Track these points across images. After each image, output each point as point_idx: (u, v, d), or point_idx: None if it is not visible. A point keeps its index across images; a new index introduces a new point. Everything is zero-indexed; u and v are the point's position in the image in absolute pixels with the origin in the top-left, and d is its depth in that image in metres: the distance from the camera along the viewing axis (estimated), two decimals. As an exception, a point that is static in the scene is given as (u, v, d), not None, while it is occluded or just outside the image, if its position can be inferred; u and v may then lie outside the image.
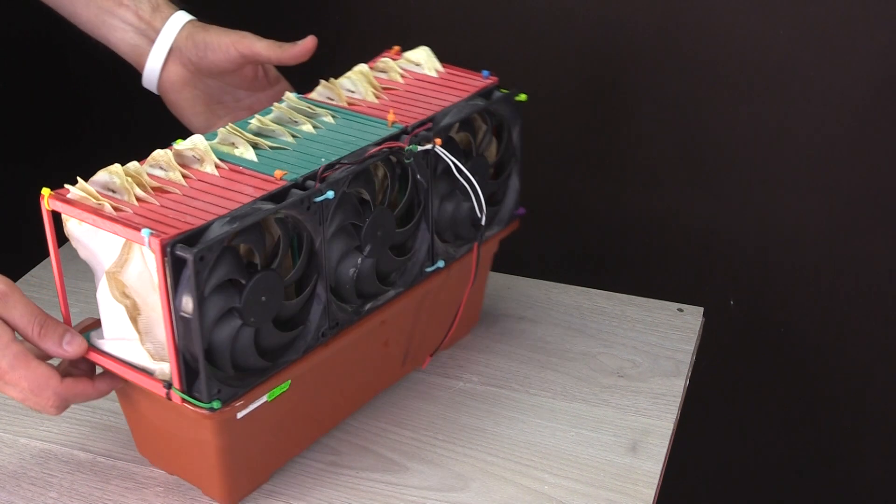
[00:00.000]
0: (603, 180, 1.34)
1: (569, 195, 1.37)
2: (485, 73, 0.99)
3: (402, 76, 0.98)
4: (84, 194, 0.77)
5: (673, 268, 1.35)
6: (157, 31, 1.01)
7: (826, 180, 1.24)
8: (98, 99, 1.55)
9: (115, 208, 0.76)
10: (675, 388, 0.99)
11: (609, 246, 1.37)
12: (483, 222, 0.93)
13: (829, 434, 1.39)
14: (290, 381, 0.82)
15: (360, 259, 0.85)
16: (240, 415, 0.78)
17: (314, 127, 0.89)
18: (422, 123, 0.89)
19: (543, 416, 0.95)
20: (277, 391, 0.81)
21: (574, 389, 0.98)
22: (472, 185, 0.91)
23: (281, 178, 0.79)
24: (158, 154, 0.81)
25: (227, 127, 0.85)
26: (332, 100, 0.94)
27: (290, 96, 0.93)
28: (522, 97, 0.97)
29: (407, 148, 0.85)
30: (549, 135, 1.34)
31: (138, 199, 0.77)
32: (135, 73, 1.04)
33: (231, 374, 0.77)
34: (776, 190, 1.27)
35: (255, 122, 0.87)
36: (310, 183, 0.79)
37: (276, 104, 0.91)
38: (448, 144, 0.90)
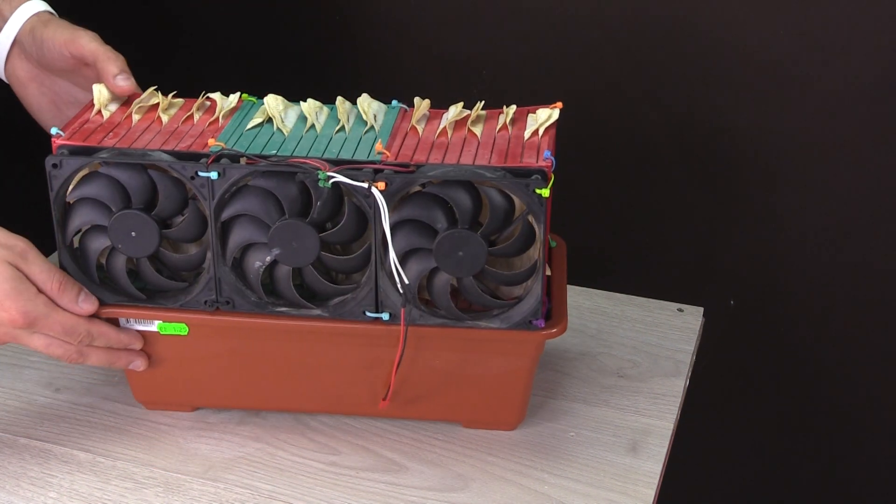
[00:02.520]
0: (603, 180, 1.34)
1: (569, 195, 1.37)
2: (546, 153, 0.85)
3: (486, 123, 0.93)
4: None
5: (673, 268, 1.35)
6: (5, 20, 0.97)
7: (826, 180, 1.24)
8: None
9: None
10: (675, 388, 0.99)
11: (609, 246, 1.37)
12: (402, 293, 0.84)
13: (829, 434, 1.39)
14: (186, 327, 0.89)
15: (268, 256, 0.85)
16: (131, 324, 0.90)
17: (316, 127, 0.89)
18: (402, 165, 0.83)
19: (543, 416, 0.95)
20: (170, 328, 0.89)
21: (574, 389, 0.98)
22: (385, 242, 0.82)
23: (207, 146, 0.84)
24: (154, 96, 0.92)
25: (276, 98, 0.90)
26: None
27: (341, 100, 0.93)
28: (544, 192, 0.81)
29: (320, 173, 0.81)
30: (549, 135, 1.34)
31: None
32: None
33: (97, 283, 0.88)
34: (776, 190, 1.27)
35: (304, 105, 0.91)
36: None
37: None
38: (416, 197, 0.83)
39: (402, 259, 0.84)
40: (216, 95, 0.94)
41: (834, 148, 1.23)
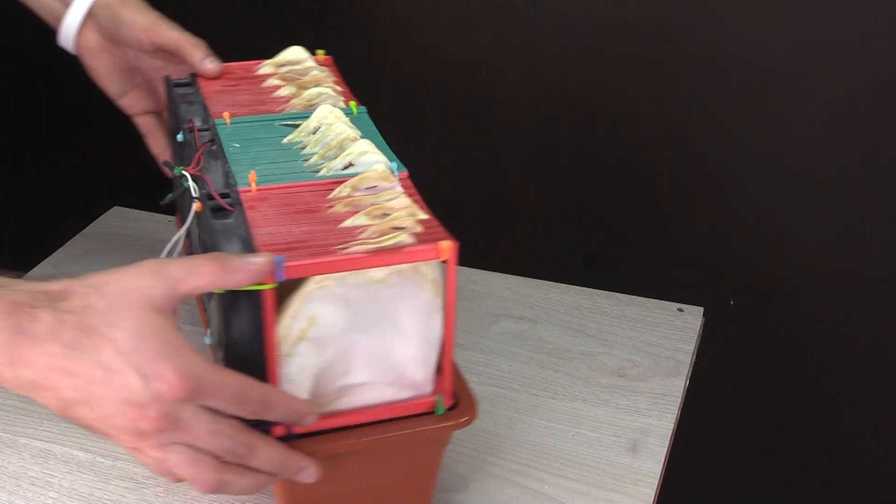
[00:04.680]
0: (603, 180, 1.34)
1: (568, 195, 1.37)
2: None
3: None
4: None
5: (673, 268, 1.35)
6: None
7: (826, 181, 1.24)
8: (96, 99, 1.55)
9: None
10: (675, 388, 0.99)
11: (609, 246, 1.37)
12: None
13: (830, 434, 1.39)
14: None
15: None
16: None
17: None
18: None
19: (543, 416, 0.95)
20: None
21: (574, 389, 0.98)
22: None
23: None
24: None
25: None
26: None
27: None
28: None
29: (176, 169, 0.78)
30: (548, 135, 1.34)
31: None
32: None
33: None
34: (776, 190, 1.27)
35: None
36: None
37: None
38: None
39: None
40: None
41: (834, 148, 1.23)
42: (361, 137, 0.80)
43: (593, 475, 0.88)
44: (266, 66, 0.95)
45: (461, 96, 1.33)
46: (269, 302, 0.67)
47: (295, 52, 0.95)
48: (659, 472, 0.89)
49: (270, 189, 0.76)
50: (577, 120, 1.32)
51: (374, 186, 0.75)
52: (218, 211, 0.74)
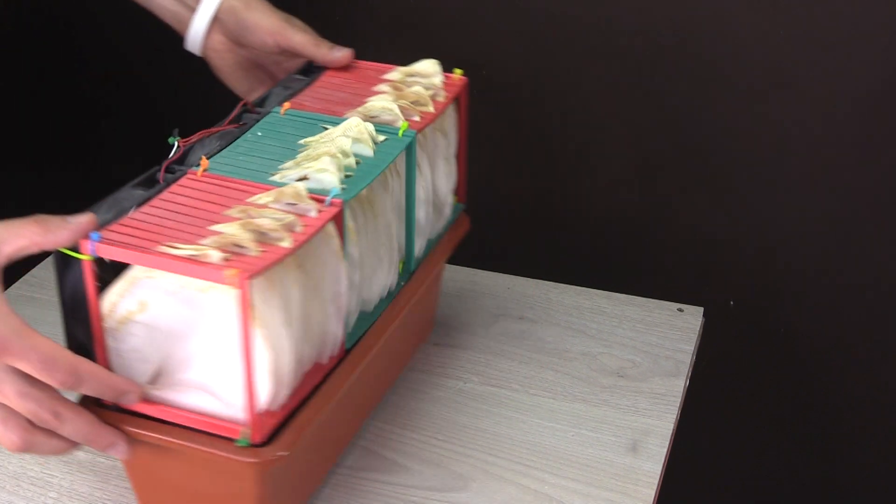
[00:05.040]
0: (603, 180, 1.34)
1: (568, 195, 1.37)
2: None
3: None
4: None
5: (673, 268, 1.35)
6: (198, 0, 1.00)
7: (826, 180, 1.24)
8: (97, 100, 1.55)
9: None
10: (675, 388, 0.99)
11: (609, 246, 1.37)
12: None
13: (830, 434, 1.39)
14: None
15: None
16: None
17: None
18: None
19: (543, 416, 0.95)
20: None
21: (574, 389, 0.98)
22: None
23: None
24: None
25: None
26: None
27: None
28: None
29: (171, 138, 0.81)
30: (548, 135, 1.34)
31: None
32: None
33: None
34: (776, 190, 1.27)
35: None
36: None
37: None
38: None
39: None
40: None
41: (834, 148, 1.23)
42: (363, 160, 0.80)
43: (593, 475, 0.88)
44: (395, 73, 0.95)
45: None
46: (87, 272, 0.70)
47: (426, 65, 0.94)
48: (659, 472, 0.89)
49: (214, 178, 0.78)
50: (576, 119, 1.32)
51: (294, 203, 0.74)
52: (148, 181, 0.77)
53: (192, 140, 0.83)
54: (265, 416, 0.72)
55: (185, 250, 0.68)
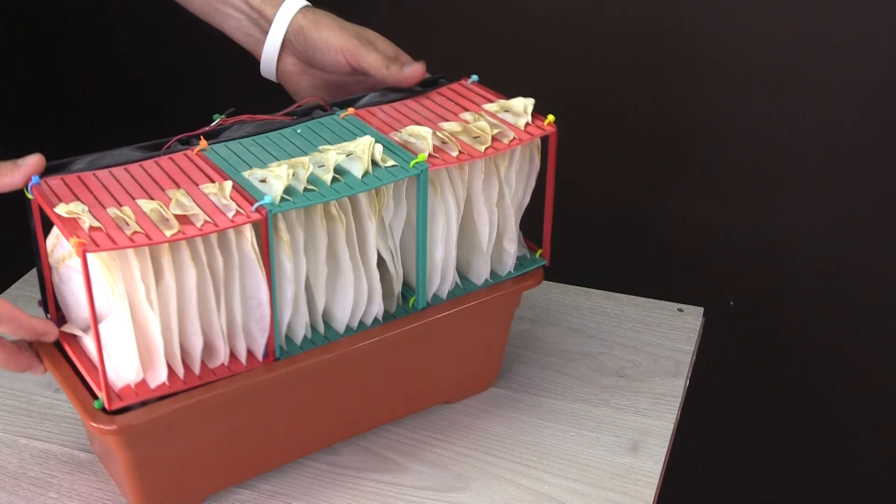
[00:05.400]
0: (603, 180, 1.34)
1: (568, 195, 1.37)
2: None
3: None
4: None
5: (673, 268, 1.35)
6: (269, 21, 0.95)
7: (826, 180, 1.24)
8: (97, 99, 1.55)
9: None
10: (675, 388, 0.99)
11: (609, 246, 1.37)
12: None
13: (830, 434, 1.39)
14: None
15: None
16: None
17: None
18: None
19: (543, 416, 0.95)
20: None
21: (574, 389, 0.98)
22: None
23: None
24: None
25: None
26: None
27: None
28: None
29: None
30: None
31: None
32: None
33: None
34: (776, 190, 1.27)
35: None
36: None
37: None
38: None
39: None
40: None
41: (834, 148, 1.23)
42: (345, 180, 0.80)
43: (593, 475, 0.88)
44: (494, 104, 0.90)
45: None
46: (34, 210, 0.77)
47: (517, 103, 0.89)
48: (659, 472, 0.89)
49: (199, 160, 0.82)
50: (576, 119, 1.32)
51: (225, 202, 0.76)
52: (153, 146, 0.83)
53: (231, 121, 0.86)
54: (135, 388, 0.77)
55: (72, 212, 0.73)
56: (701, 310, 1.09)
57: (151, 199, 0.76)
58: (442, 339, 0.90)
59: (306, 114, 0.89)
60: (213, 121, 0.86)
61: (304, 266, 0.80)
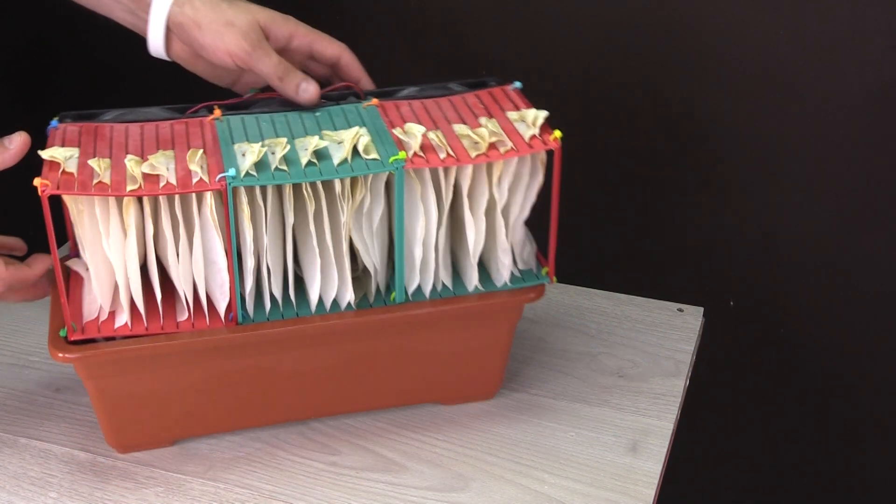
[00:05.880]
0: (602, 180, 1.34)
1: (568, 195, 1.37)
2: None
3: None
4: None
5: (673, 268, 1.35)
6: (147, 11, 0.89)
7: (826, 181, 1.24)
8: (98, 98, 1.55)
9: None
10: (675, 388, 0.99)
11: (609, 246, 1.37)
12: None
13: (829, 434, 1.39)
14: None
15: None
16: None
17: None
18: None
19: (543, 416, 0.95)
20: None
21: (574, 389, 0.98)
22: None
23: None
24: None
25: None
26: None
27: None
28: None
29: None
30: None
31: None
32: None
33: None
34: (776, 190, 1.27)
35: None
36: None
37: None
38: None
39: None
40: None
41: (834, 148, 1.23)
42: (320, 165, 0.82)
43: (593, 475, 0.88)
44: (515, 113, 0.89)
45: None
46: (45, 206, 0.79)
47: (532, 114, 0.87)
48: (659, 472, 0.89)
49: (205, 126, 0.87)
50: (576, 119, 1.32)
51: (200, 167, 0.81)
52: (179, 109, 0.89)
53: (262, 96, 0.91)
54: (100, 325, 0.84)
55: (55, 157, 0.80)
56: (701, 310, 1.09)
57: (140, 156, 0.81)
58: (425, 337, 0.91)
59: (339, 98, 0.92)
60: (249, 93, 0.92)
61: (263, 239, 0.83)
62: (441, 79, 0.95)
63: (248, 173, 0.80)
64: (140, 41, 0.93)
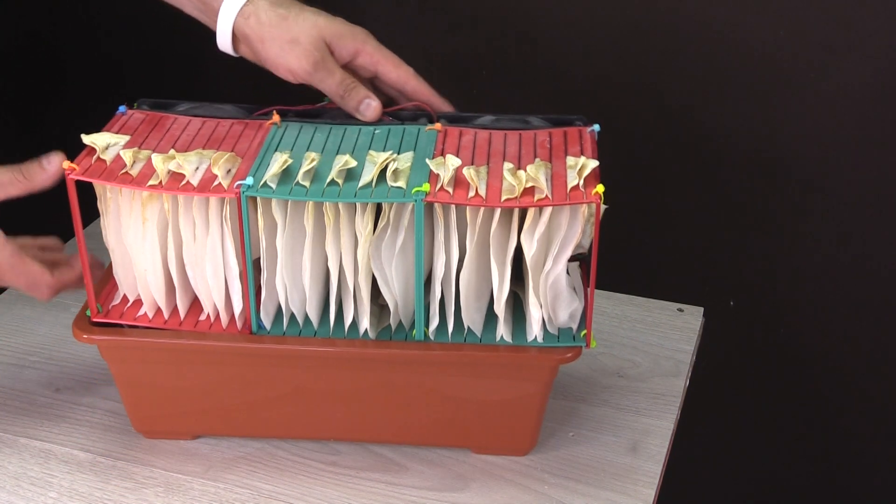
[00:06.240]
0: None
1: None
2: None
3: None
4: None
5: (673, 268, 1.35)
6: (215, 16, 0.89)
7: (826, 180, 1.24)
8: (97, 97, 1.55)
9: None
10: (675, 388, 0.99)
11: (609, 246, 1.37)
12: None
13: (829, 434, 1.39)
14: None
15: None
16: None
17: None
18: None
19: (544, 417, 0.95)
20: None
21: (574, 389, 0.98)
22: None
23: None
24: None
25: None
26: None
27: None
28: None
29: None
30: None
31: None
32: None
33: None
34: (776, 190, 1.27)
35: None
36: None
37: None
38: None
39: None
40: None
41: (834, 148, 1.23)
42: (345, 185, 0.79)
43: (593, 475, 0.88)
44: (573, 159, 0.82)
45: (461, 95, 1.33)
46: (70, 189, 0.81)
47: (579, 162, 0.81)
48: (659, 472, 0.89)
49: (261, 129, 0.87)
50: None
51: (229, 170, 0.82)
52: (248, 110, 0.90)
53: (333, 105, 0.89)
54: (125, 312, 0.86)
55: (94, 142, 0.81)
56: (701, 310, 1.09)
57: (186, 152, 0.81)
58: (444, 380, 0.86)
59: (410, 118, 0.89)
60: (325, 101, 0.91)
61: (278, 252, 0.81)
62: (525, 111, 0.89)
63: (265, 184, 0.78)
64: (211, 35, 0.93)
